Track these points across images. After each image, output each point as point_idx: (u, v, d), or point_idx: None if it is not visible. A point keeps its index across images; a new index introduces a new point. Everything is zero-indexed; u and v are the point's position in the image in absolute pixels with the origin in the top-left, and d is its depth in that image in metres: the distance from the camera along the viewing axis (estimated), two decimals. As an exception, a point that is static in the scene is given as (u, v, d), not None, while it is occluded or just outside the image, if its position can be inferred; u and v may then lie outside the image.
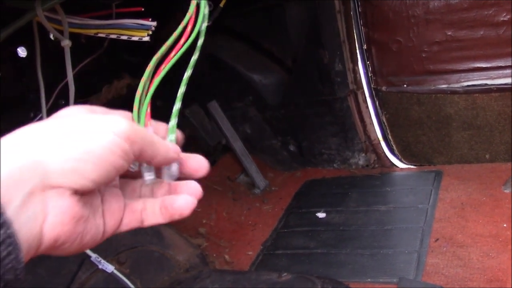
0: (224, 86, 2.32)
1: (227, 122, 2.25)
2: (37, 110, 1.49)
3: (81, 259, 1.32)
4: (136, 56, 1.94)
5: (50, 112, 1.32)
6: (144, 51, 1.98)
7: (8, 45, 1.37)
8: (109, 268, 1.14)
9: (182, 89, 0.52)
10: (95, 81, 1.73)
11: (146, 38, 1.07)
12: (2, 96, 1.48)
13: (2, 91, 1.47)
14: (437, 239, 1.64)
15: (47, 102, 1.20)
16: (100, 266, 1.14)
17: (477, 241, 1.58)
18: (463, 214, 1.73)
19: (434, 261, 1.54)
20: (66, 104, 1.49)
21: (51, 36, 1.43)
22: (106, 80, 1.77)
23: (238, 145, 2.26)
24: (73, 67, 1.22)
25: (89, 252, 1.15)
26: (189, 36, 0.52)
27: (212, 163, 2.28)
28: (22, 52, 1.52)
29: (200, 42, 0.53)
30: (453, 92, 1.98)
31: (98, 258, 1.14)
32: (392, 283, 1.49)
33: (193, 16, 0.53)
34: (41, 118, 1.22)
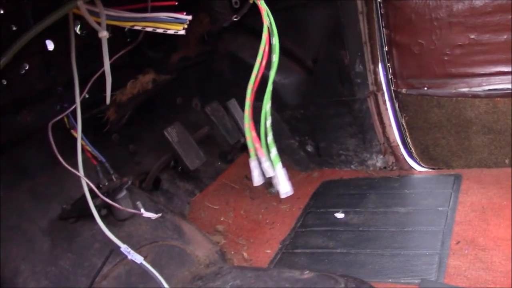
0: (244, 85, 2.32)
1: (246, 121, 2.24)
2: (64, 102, 1.50)
3: (109, 250, 1.32)
4: (158, 52, 1.95)
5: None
6: (165, 48, 1.99)
7: (35, 38, 1.38)
8: (139, 258, 1.14)
9: (269, 88, 0.60)
10: (120, 76, 1.74)
11: (182, 32, 1.08)
12: (29, 88, 1.49)
13: (29, 83, 1.48)
14: (458, 242, 1.63)
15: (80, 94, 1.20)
16: (129, 257, 1.14)
17: (499, 245, 1.57)
18: (484, 218, 1.72)
19: (456, 263, 1.54)
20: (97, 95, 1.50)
21: (77, 30, 1.44)
22: (129, 75, 1.78)
23: (256, 144, 2.25)
24: (100, 61, 1.22)
25: (118, 242, 1.16)
26: (268, 55, 0.63)
27: (230, 161, 2.28)
28: (49, 45, 1.53)
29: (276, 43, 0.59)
30: (475, 95, 1.98)
31: (128, 248, 1.14)
32: (414, 284, 1.49)
33: (267, 35, 0.65)
34: (73, 110, 1.22)
